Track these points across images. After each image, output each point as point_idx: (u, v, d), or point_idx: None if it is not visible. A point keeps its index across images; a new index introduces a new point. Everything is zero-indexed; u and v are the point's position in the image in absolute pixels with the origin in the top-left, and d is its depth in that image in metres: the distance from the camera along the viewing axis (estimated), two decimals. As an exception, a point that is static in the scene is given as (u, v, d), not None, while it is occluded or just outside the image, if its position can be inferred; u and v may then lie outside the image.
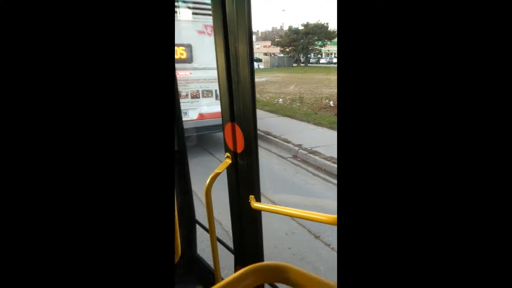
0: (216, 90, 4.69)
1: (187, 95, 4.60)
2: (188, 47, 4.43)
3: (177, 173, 1.47)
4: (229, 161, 1.08)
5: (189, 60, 4.47)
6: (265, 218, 1.13)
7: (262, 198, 1.12)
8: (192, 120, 4.63)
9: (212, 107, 4.71)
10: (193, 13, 4.37)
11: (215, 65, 1.01)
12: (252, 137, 0.98)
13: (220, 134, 5.73)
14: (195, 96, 4.67)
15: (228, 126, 1.05)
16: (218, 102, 1.08)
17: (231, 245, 1.32)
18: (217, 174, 1.06)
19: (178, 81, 1.46)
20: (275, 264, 0.95)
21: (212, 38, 0.99)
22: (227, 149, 1.08)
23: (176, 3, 4.15)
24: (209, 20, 4.41)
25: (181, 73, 4.47)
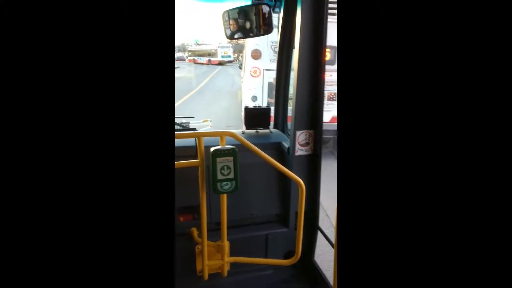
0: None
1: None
2: (333, 49, 4.41)
3: (307, 177, 1.52)
4: None
5: (332, 62, 4.45)
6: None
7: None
8: (325, 122, 4.63)
9: None
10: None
11: None
12: None
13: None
14: (331, 98, 4.63)
15: None
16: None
17: None
18: None
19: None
20: None
21: None
22: None
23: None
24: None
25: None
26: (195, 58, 31.64)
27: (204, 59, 29.63)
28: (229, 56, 28.04)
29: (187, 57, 35.74)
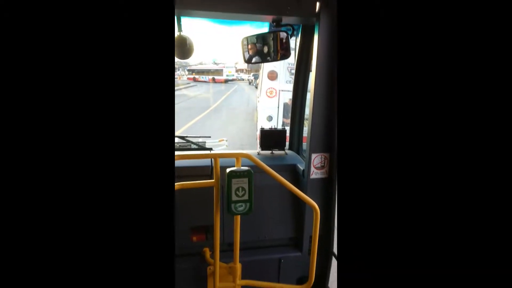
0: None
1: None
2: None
3: (322, 201, 1.50)
4: None
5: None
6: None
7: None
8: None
9: None
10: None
11: None
12: None
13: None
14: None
15: None
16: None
17: None
18: None
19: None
20: None
21: None
22: None
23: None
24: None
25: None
26: (196, 76, 33.38)
27: (207, 78, 31.60)
28: (232, 75, 31.79)
29: (187, 75, 36.89)
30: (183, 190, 1.25)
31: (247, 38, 1.54)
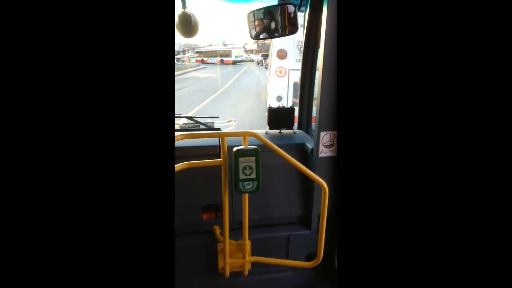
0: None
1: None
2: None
3: (331, 180, 1.49)
4: None
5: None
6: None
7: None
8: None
9: None
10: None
11: None
12: None
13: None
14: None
15: None
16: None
17: None
18: None
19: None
20: None
21: None
22: None
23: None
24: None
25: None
26: (204, 58, 33.22)
27: (216, 59, 31.53)
28: (241, 56, 32.40)
29: (195, 57, 36.44)
30: (192, 170, 1.26)
31: (253, 12, 1.49)
